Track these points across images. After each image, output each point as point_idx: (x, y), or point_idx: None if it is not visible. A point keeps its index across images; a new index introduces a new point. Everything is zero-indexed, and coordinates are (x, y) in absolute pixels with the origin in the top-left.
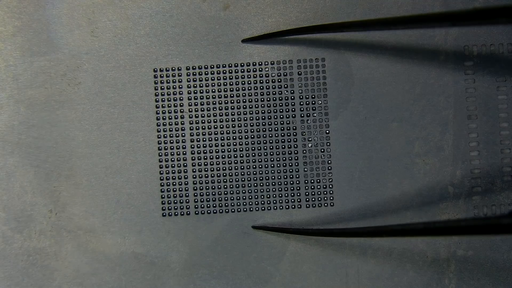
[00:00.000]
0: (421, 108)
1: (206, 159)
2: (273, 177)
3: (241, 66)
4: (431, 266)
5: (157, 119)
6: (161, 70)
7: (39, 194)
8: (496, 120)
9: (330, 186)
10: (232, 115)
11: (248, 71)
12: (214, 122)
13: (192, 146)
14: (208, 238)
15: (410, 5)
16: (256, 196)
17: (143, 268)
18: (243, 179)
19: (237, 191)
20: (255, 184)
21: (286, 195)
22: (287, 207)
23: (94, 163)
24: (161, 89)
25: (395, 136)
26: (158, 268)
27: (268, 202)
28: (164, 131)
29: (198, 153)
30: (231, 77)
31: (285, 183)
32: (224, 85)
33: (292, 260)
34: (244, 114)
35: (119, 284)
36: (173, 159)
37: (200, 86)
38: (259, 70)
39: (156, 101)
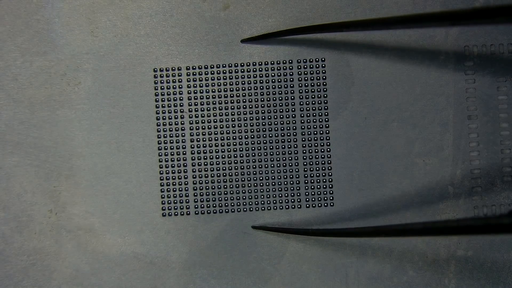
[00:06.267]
0: (421, 108)
1: (206, 159)
2: (273, 177)
3: (241, 66)
4: (431, 266)
5: (157, 119)
6: (161, 70)
7: (39, 194)
8: (496, 120)
9: (330, 186)
10: (232, 115)
11: (248, 71)
12: (214, 122)
13: (192, 146)
14: (208, 238)
15: (410, 5)
16: (256, 196)
17: (143, 268)
18: (243, 179)
19: (237, 191)
20: (255, 184)
21: (286, 195)
22: (287, 207)
23: (94, 163)
24: (161, 89)
25: (395, 136)
26: (158, 268)
27: (268, 202)
28: (164, 131)
29: (198, 153)
30: (231, 77)
31: (285, 183)
32: (224, 85)
33: (292, 260)
34: (244, 114)
35: (119, 284)
36: (173, 159)
37: (200, 86)
38: (259, 70)
39: (156, 101)
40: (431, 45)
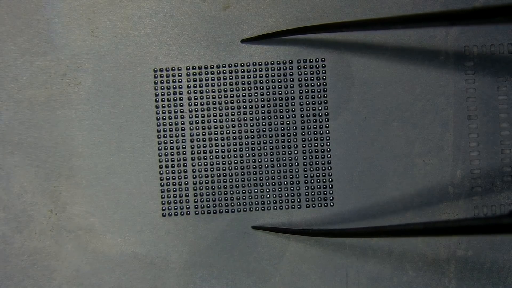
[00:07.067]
0: (421, 108)
1: (206, 159)
2: (273, 177)
3: (241, 66)
4: (431, 266)
5: (157, 119)
6: (161, 70)
7: (39, 194)
8: (496, 120)
9: (330, 186)
10: (232, 115)
11: (248, 71)
12: (214, 122)
13: (192, 146)
14: (208, 238)
15: (410, 5)
16: (256, 196)
17: (143, 268)
18: (243, 179)
19: (237, 191)
20: (255, 184)
21: (286, 195)
22: (287, 207)
23: (94, 163)
24: (161, 89)
25: (395, 136)
26: (158, 268)
27: (268, 202)
28: (164, 131)
29: (198, 153)
30: (231, 77)
31: (285, 183)
32: (224, 85)
33: (292, 260)
34: (244, 114)
35: (119, 284)
36: (173, 159)
37: (200, 86)
38: (259, 70)
39: (156, 101)
40: (431, 45)
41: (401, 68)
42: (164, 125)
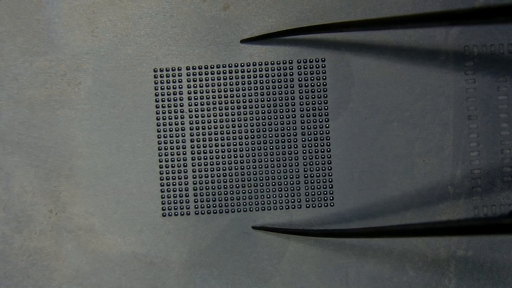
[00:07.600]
0: (421, 108)
1: (206, 159)
2: (273, 177)
3: (241, 66)
4: (431, 266)
5: (157, 119)
6: (161, 70)
7: (39, 194)
8: (496, 120)
9: (330, 186)
10: (232, 115)
11: (248, 71)
12: (214, 122)
13: (192, 146)
14: (208, 238)
15: (410, 5)
16: (256, 196)
17: (143, 268)
18: (243, 179)
19: (237, 191)
20: (255, 184)
21: (286, 195)
22: (287, 207)
23: (94, 163)
24: (161, 89)
25: (395, 136)
26: (158, 268)
27: (268, 202)
28: (164, 131)
29: (198, 153)
30: (231, 77)
31: (285, 183)
32: (224, 85)
33: (292, 260)
34: (244, 114)
35: (119, 284)
36: (173, 159)
37: (200, 86)
38: (259, 70)
39: (156, 101)
40: (431, 45)
41: (401, 68)
42: (164, 125)
